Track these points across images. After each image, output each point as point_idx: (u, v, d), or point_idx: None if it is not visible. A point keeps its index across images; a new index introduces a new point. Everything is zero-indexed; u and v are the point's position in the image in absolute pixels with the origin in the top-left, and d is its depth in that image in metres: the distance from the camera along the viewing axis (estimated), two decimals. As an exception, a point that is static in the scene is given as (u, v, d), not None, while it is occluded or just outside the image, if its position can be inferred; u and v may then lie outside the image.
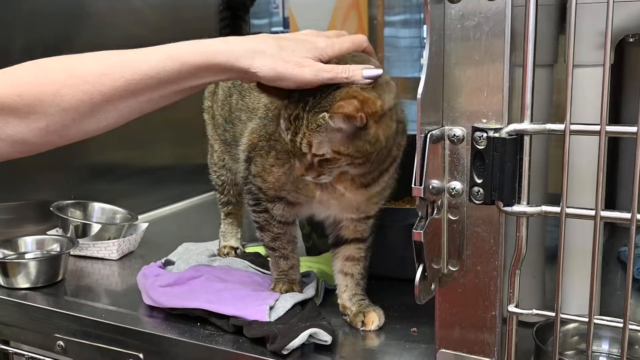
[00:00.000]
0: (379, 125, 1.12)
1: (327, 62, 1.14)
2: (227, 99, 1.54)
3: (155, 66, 1.09)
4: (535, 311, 0.96)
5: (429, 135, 0.94)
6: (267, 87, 1.15)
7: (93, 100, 1.09)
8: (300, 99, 1.14)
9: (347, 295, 1.35)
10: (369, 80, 1.12)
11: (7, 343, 1.54)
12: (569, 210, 0.90)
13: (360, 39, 1.20)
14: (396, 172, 1.29)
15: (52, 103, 1.08)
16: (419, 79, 0.92)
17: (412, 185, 0.94)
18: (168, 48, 1.12)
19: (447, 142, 0.97)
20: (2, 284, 1.57)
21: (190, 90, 1.15)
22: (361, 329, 1.30)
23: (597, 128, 0.87)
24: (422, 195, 0.94)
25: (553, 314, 0.94)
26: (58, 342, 1.41)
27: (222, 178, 1.74)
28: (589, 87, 1.11)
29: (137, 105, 1.13)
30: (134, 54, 1.11)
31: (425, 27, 0.94)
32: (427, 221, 0.96)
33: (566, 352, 1.13)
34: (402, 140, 1.23)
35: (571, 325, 1.13)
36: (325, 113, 1.10)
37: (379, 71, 1.13)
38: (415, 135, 0.96)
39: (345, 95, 1.10)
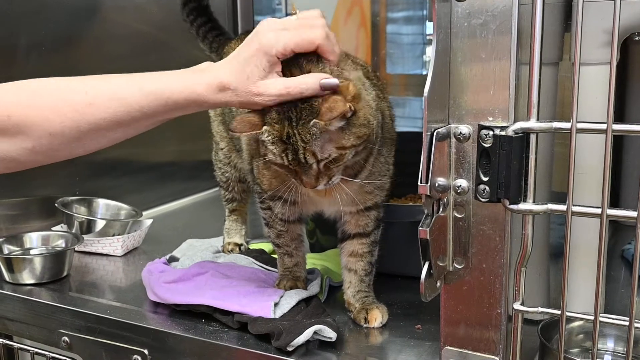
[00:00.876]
0: (361, 106, 1.14)
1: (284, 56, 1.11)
2: None
3: (140, 101, 1.10)
4: (540, 309, 0.96)
5: (435, 133, 0.94)
6: (241, 125, 1.15)
7: (80, 128, 1.10)
8: (281, 117, 1.13)
9: (351, 292, 1.36)
10: (326, 92, 1.11)
11: (12, 339, 1.54)
12: (575, 209, 0.90)
13: (310, 37, 1.12)
14: (385, 154, 1.29)
15: (40, 127, 1.09)
16: (422, 76, 0.93)
17: (418, 183, 0.94)
18: (152, 83, 1.11)
19: (453, 140, 0.96)
20: (8, 279, 1.57)
21: (175, 119, 1.16)
22: (364, 325, 1.30)
23: (604, 126, 0.87)
24: (428, 193, 0.95)
25: (558, 312, 0.94)
26: (63, 338, 1.41)
27: (227, 175, 1.74)
28: (594, 85, 1.11)
29: (122, 133, 1.15)
30: (122, 85, 1.12)
31: (428, 24, 0.94)
32: (433, 219, 0.96)
33: (571, 350, 1.13)
34: (390, 119, 1.26)
35: (576, 323, 1.13)
36: (316, 121, 1.09)
37: (334, 80, 1.11)
38: (412, 133, 0.96)
39: (325, 98, 1.10)
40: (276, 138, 1.13)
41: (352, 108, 1.11)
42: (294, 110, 1.11)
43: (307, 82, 1.10)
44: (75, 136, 1.11)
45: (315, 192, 1.26)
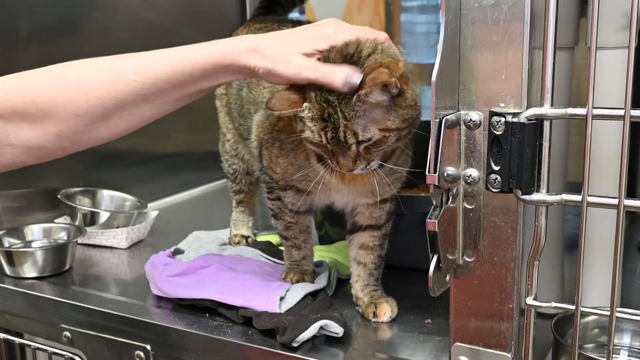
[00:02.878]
0: (409, 86, 1.12)
1: (328, 51, 1.12)
2: (239, 93, 1.52)
3: (167, 70, 1.10)
4: (554, 304, 0.92)
5: (444, 120, 0.90)
6: (280, 103, 1.14)
7: (106, 105, 1.09)
8: (323, 96, 1.11)
9: (360, 286, 1.32)
10: (347, 87, 1.08)
11: (13, 334, 1.51)
12: (591, 199, 0.86)
13: (377, 36, 1.15)
14: (408, 149, 1.26)
15: (65, 108, 1.08)
16: (436, 65, 0.89)
17: (426, 173, 0.90)
18: (178, 52, 1.12)
19: (463, 127, 0.92)
20: (9, 273, 1.55)
21: (201, 93, 1.16)
22: (373, 320, 1.27)
23: (621, 112, 0.82)
24: (437, 183, 0.91)
25: (573, 307, 0.90)
26: (64, 333, 1.39)
27: (234, 167, 1.71)
28: (611, 71, 1.07)
29: (149, 111, 1.14)
30: (145, 59, 1.12)
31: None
32: (442, 210, 0.92)
33: (586, 345, 1.10)
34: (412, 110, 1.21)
35: (591, 318, 1.10)
36: (359, 92, 1.07)
37: (359, 77, 1.09)
38: (427, 121, 0.92)
39: (372, 68, 1.08)
40: (317, 115, 1.11)
41: (398, 86, 1.08)
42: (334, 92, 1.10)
43: (337, 72, 1.09)
44: (101, 115, 1.10)
45: (339, 179, 1.24)
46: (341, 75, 1.08)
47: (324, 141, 1.13)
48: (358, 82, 1.08)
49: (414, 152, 1.26)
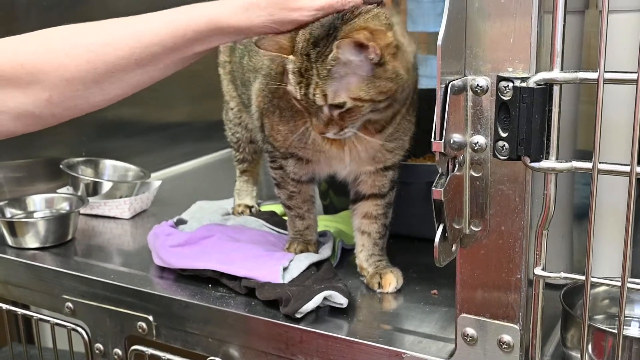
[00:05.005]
0: (395, 58, 1.08)
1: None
2: (241, 61, 1.49)
3: (159, 34, 1.07)
4: (563, 275, 0.90)
5: (450, 86, 0.87)
6: (270, 44, 1.11)
7: (97, 70, 1.07)
8: (306, 50, 1.08)
9: (364, 256, 1.30)
10: (370, 5, 1.07)
11: (15, 304, 1.51)
12: (602, 166, 0.83)
13: None
14: (410, 115, 1.24)
15: (55, 73, 1.06)
16: (443, 33, 0.86)
17: (432, 140, 0.88)
18: (170, 14, 1.08)
19: (469, 93, 0.89)
20: (11, 243, 1.54)
21: (195, 57, 1.12)
22: (378, 291, 1.25)
23: (634, 76, 0.79)
24: (443, 151, 0.88)
25: (583, 278, 0.88)
26: (67, 304, 1.38)
27: (238, 135, 1.69)
28: (623, 35, 1.04)
29: (142, 76, 1.11)
30: (137, 22, 1.09)
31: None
32: (448, 178, 0.90)
33: (595, 317, 1.08)
34: (416, 76, 1.20)
35: (601, 288, 1.07)
36: (333, 47, 1.04)
37: None
38: (431, 90, 0.90)
39: (352, 28, 1.05)
40: (296, 69, 1.10)
41: (378, 52, 1.05)
42: (317, 48, 1.07)
43: None
44: (92, 80, 1.07)
45: (332, 145, 1.22)
46: None
47: (298, 96, 1.11)
48: None
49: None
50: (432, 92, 0.89)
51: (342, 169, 1.30)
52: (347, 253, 1.42)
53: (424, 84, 1.30)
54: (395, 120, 1.21)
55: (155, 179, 1.93)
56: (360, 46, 1.04)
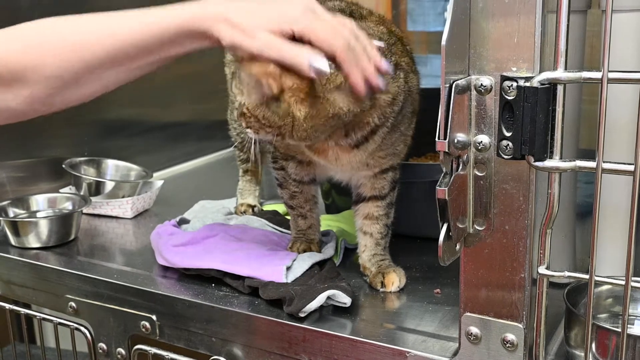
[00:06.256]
0: (301, 103, 1.04)
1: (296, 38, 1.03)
2: None
3: (135, 35, 1.05)
4: (567, 273, 0.90)
5: (454, 86, 0.87)
6: None
7: (75, 69, 1.06)
8: None
9: (367, 256, 1.31)
10: (313, 73, 1.00)
11: (18, 304, 1.50)
12: (606, 165, 0.83)
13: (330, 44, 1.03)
14: (403, 128, 1.23)
15: (35, 71, 1.06)
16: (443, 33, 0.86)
17: (436, 139, 0.88)
18: (145, 15, 1.07)
19: (473, 92, 0.90)
20: (14, 243, 1.54)
21: (169, 60, 1.10)
22: (381, 290, 1.25)
23: (638, 76, 0.80)
24: (447, 150, 0.88)
25: (587, 277, 0.88)
26: (70, 304, 1.38)
27: (242, 135, 1.69)
28: (625, 34, 1.04)
29: (121, 74, 1.11)
30: (115, 21, 1.08)
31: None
32: (452, 178, 0.90)
33: (599, 315, 1.08)
34: (388, 108, 1.16)
35: (604, 287, 1.08)
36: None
37: (325, 65, 1.00)
38: (433, 89, 0.90)
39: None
40: None
41: (275, 91, 1.03)
42: None
43: (304, 53, 1.00)
44: (71, 78, 1.07)
45: (319, 155, 1.22)
46: (306, 58, 1.00)
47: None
48: (325, 68, 1.00)
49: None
50: (434, 91, 0.90)
51: (339, 173, 1.31)
52: (349, 252, 1.42)
53: (424, 83, 1.31)
54: (373, 140, 1.19)
55: (158, 179, 1.93)
56: (256, 77, 1.03)
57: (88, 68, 1.07)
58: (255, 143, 1.65)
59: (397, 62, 1.18)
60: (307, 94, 1.03)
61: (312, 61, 0.99)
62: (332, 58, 1.01)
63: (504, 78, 0.86)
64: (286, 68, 1.01)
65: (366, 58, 1.03)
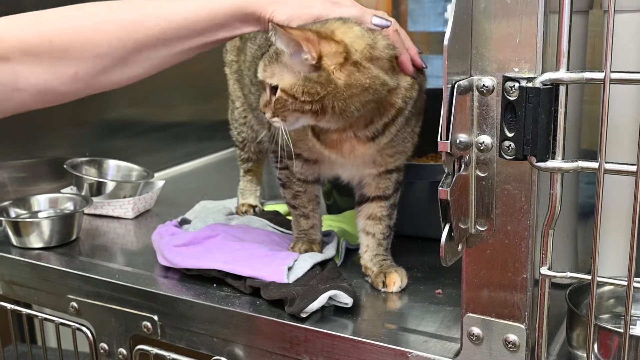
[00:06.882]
0: (340, 70, 1.08)
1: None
2: (254, 61, 1.48)
3: (189, 16, 1.08)
4: (569, 274, 0.90)
5: (456, 86, 0.87)
6: None
7: (126, 47, 1.08)
8: None
9: (369, 256, 1.31)
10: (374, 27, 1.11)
11: (20, 304, 1.50)
12: (608, 166, 0.83)
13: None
14: (412, 124, 1.24)
15: (85, 49, 1.06)
16: (443, 33, 0.86)
17: (438, 140, 0.88)
18: None
19: (475, 93, 0.90)
20: (15, 243, 1.54)
21: (216, 44, 1.14)
22: (382, 290, 1.25)
23: (640, 76, 0.80)
24: (449, 151, 0.88)
25: (589, 277, 0.88)
26: (71, 304, 1.38)
27: (243, 135, 1.69)
28: (627, 35, 1.04)
29: (167, 57, 1.13)
30: (168, 3, 1.10)
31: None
32: (454, 178, 0.90)
33: (601, 316, 1.08)
34: (408, 92, 1.18)
35: (606, 288, 1.08)
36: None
37: (386, 21, 1.12)
38: (434, 90, 0.89)
39: (307, 29, 1.08)
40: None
41: (315, 57, 1.06)
42: None
43: (359, 12, 1.14)
44: (120, 57, 1.09)
45: (330, 150, 1.23)
46: (369, 13, 1.11)
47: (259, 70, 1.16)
48: (386, 23, 1.11)
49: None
50: (435, 91, 0.90)
51: (345, 171, 1.31)
52: (351, 253, 1.42)
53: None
54: (390, 131, 1.20)
55: (159, 179, 1.93)
56: (296, 42, 1.06)
57: (138, 48, 1.08)
58: (255, 142, 1.66)
59: None
60: (346, 60, 1.08)
61: (374, 18, 1.11)
62: None
63: (506, 78, 0.86)
64: (324, 35, 1.06)
65: (409, 41, 1.16)
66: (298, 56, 1.07)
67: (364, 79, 1.09)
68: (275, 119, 1.14)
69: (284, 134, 1.15)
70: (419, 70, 1.20)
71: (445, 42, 0.85)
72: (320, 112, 1.10)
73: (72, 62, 1.07)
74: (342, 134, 1.19)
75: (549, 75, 0.83)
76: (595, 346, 0.94)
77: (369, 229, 1.32)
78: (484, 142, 0.90)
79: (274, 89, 1.11)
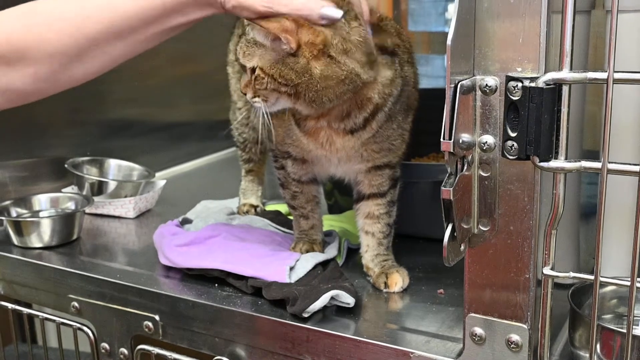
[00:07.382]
0: (317, 60, 1.08)
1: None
2: None
3: (137, 5, 1.07)
4: (572, 274, 0.90)
5: (459, 86, 0.87)
6: None
7: (78, 43, 1.07)
8: None
9: (370, 256, 1.30)
10: (324, 20, 1.07)
11: (21, 304, 1.50)
12: (611, 166, 0.83)
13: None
14: (399, 121, 1.23)
15: (39, 48, 1.06)
16: (444, 33, 0.86)
17: (441, 140, 0.88)
18: None
19: (478, 92, 0.90)
20: (16, 243, 1.54)
21: (174, 31, 1.12)
22: (384, 290, 1.25)
23: (644, 76, 0.80)
24: (452, 150, 0.88)
25: (592, 277, 0.88)
26: (72, 303, 1.38)
27: (244, 136, 1.69)
28: (630, 35, 1.04)
29: (124, 49, 1.11)
30: None
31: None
32: (457, 178, 0.90)
33: (604, 316, 1.08)
34: (386, 89, 1.18)
35: (609, 288, 1.07)
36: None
37: (337, 12, 1.08)
38: (435, 89, 0.89)
39: (282, 17, 1.07)
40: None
41: (293, 47, 1.07)
42: None
43: (307, 4, 1.07)
44: (75, 54, 1.08)
45: (310, 140, 1.24)
46: (317, 7, 1.06)
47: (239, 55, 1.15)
48: (336, 15, 1.07)
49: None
50: (435, 91, 0.89)
51: (335, 168, 1.30)
52: (352, 253, 1.42)
53: (426, 83, 1.30)
54: (371, 126, 1.20)
55: (160, 179, 1.93)
56: (274, 35, 1.06)
57: (91, 42, 1.07)
58: (257, 143, 1.66)
59: (393, 50, 1.20)
60: (322, 52, 1.08)
61: (322, 10, 1.06)
62: None
63: (509, 78, 0.86)
64: (302, 24, 1.06)
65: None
66: (277, 43, 1.08)
67: (339, 72, 1.09)
68: (256, 99, 1.14)
69: (265, 116, 1.16)
70: (410, 66, 1.21)
71: (448, 42, 0.85)
72: (294, 95, 1.11)
73: (30, 62, 1.07)
74: (317, 122, 1.20)
75: (552, 75, 0.83)
76: (598, 346, 0.94)
77: (367, 228, 1.31)
78: (486, 142, 0.90)
79: (254, 70, 1.12)
